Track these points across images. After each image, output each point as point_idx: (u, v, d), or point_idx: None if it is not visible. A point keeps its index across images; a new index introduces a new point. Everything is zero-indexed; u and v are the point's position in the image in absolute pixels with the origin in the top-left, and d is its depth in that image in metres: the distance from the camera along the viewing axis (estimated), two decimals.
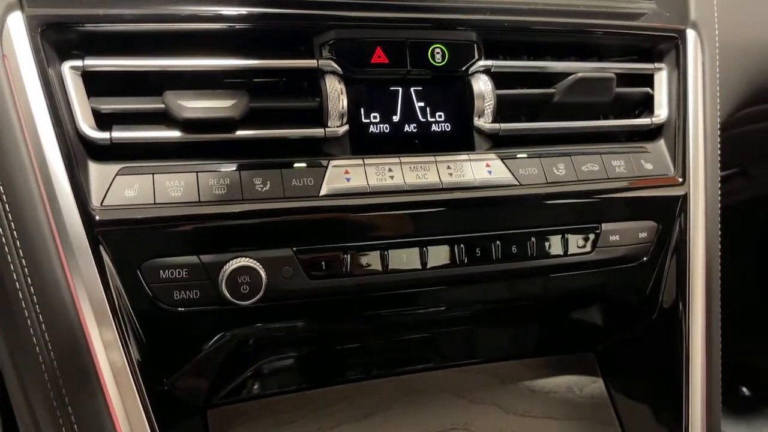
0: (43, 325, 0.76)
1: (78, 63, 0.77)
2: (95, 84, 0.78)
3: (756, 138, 1.58)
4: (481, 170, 0.90)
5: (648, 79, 1.05)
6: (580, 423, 1.09)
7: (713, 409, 1.08)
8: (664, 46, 1.05)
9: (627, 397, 1.12)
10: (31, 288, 0.75)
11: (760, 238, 2.52)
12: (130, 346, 0.77)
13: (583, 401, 1.11)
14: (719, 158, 1.07)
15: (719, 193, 1.07)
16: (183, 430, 0.89)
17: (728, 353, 1.15)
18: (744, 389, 2.66)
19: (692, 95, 1.03)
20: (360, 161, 0.86)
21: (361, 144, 0.87)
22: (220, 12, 0.82)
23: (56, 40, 0.77)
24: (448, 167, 0.89)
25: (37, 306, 0.75)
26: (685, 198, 1.02)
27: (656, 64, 1.04)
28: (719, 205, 1.07)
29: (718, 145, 1.07)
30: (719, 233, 1.07)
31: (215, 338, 0.84)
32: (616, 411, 1.11)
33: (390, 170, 0.87)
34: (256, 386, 0.98)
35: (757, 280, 2.59)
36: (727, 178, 1.76)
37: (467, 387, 1.06)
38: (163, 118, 0.80)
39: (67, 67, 0.77)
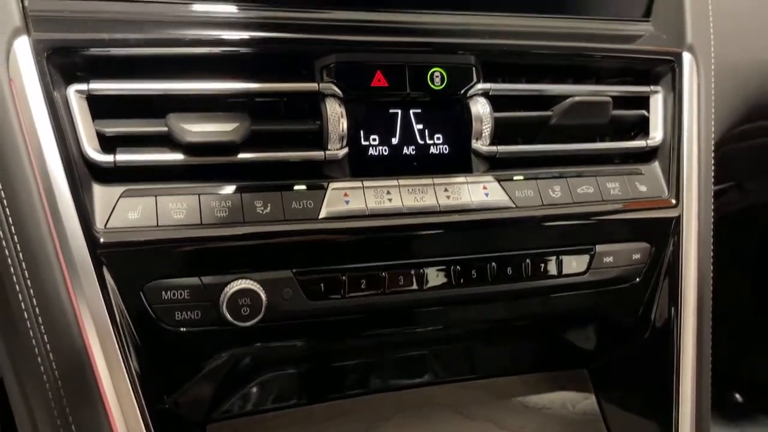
0: (48, 345, 0.77)
1: (83, 87, 0.78)
2: (100, 107, 0.80)
3: (751, 153, 1.60)
4: (478, 192, 0.92)
5: (644, 102, 1.06)
6: None
7: (702, 426, 1.10)
8: (660, 68, 1.06)
9: (618, 413, 1.14)
10: (36, 309, 0.77)
11: (754, 247, 2.54)
12: (132, 365, 0.79)
13: (576, 417, 1.13)
14: (713, 179, 1.09)
15: (712, 214, 1.08)
16: None
17: (723, 361, 1.16)
18: (737, 396, 2.68)
19: (687, 118, 1.05)
20: (359, 184, 0.87)
21: (361, 166, 0.88)
22: (223, 37, 0.83)
23: (62, 64, 0.78)
24: (446, 190, 0.91)
25: (42, 327, 0.77)
26: (678, 220, 1.03)
27: (652, 87, 1.06)
28: (712, 227, 1.09)
29: (712, 168, 1.09)
30: (711, 254, 1.08)
31: (216, 357, 0.86)
32: (607, 427, 1.13)
33: (388, 193, 0.88)
34: (255, 402, 0.99)
35: (752, 288, 2.61)
36: (722, 192, 1.78)
37: (463, 403, 1.08)
38: (166, 141, 0.81)
39: (72, 90, 0.78)
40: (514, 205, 0.93)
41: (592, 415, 1.13)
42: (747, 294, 2.61)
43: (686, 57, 1.06)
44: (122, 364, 0.78)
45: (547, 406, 1.12)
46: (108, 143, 0.80)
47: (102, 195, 0.78)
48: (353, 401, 1.03)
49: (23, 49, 0.76)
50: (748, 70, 1.24)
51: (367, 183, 0.88)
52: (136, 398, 0.79)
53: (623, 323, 1.08)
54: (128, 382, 0.78)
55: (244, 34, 0.84)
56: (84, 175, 0.78)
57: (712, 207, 1.10)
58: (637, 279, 1.02)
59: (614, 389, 1.15)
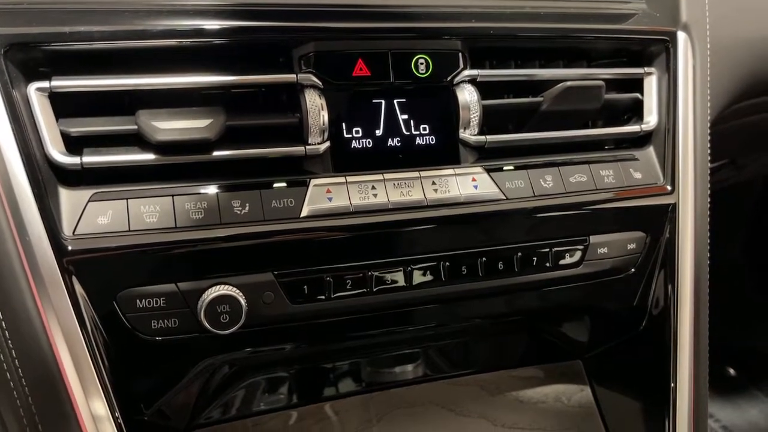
0: (16, 360, 0.73)
1: (45, 84, 0.74)
2: (64, 105, 0.75)
3: (746, 130, 1.57)
4: (466, 185, 0.88)
5: (638, 84, 1.02)
6: None
7: (700, 411, 1.08)
8: (654, 49, 1.02)
9: (614, 403, 1.12)
10: (2, 323, 0.73)
11: (746, 221, 2.53)
12: (106, 378, 0.75)
13: (571, 410, 1.10)
14: (708, 164, 1.06)
15: (708, 200, 1.05)
16: None
17: (716, 335, 1.14)
18: (731, 370, 2.69)
19: (682, 101, 1.01)
20: (342, 179, 0.83)
21: (344, 160, 0.84)
22: (193, 27, 0.78)
23: (21, 60, 0.73)
24: (433, 183, 0.87)
25: (9, 341, 0.73)
26: (674, 207, 1.00)
27: (646, 69, 1.01)
28: (708, 211, 1.06)
29: (708, 152, 1.05)
30: (708, 239, 1.05)
31: (196, 365, 0.82)
32: (602, 418, 1.11)
33: (373, 188, 0.84)
34: (240, 406, 0.96)
35: (745, 261, 2.61)
36: (715, 170, 1.75)
37: (455, 400, 1.05)
38: (136, 140, 0.77)
39: (33, 88, 0.73)
40: (504, 197, 0.89)
41: (588, 407, 1.11)
42: (739, 267, 2.61)
43: (681, 36, 1.02)
44: (96, 377, 0.74)
45: (542, 400, 1.10)
46: (74, 144, 0.75)
47: (69, 199, 0.74)
48: (343, 402, 1.00)
49: None
50: (743, 45, 1.20)
51: (350, 178, 0.84)
52: (111, 411, 0.76)
53: (619, 314, 1.05)
54: (102, 395, 0.75)
55: (217, 23, 0.79)
56: (49, 178, 0.74)
57: (708, 190, 1.07)
58: (633, 269, 0.99)
59: (610, 379, 1.13)
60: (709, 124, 1.07)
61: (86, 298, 0.73)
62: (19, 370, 0.73)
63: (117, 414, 0.76)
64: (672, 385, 1.04)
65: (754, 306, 2.62)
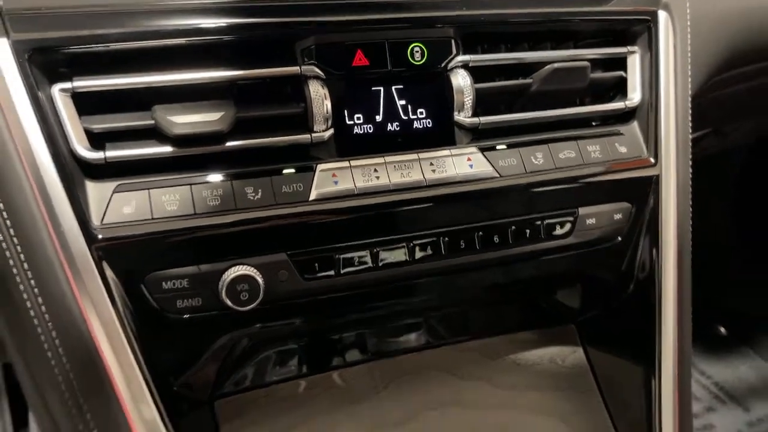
0: (56, 340, 0.80)
1: (67, 85, 0.79)
2: (85, 103, 0.80)
3: (726, 100, 1.62)
4: (462, 165, 0.94)
5: (621, 62, 1.08)
6: (563, 393, 1.16)
7: (684, 365, 1.15)
8: (636, 28, 1.07)
9: (605, 363, 1.19)
10: (42, 307, 0.79)
11: (732, 186, 2.59)
12: (138, 353, 0.82)
13: (565, 371, 1.17)
14: (690, 136, 1.12)
15: (690, 171, 1.11)
16: (193, 422, 0.95)
17: (706, 296, 1.21)
18: (722, 329, 2.78)
19: (664, 77, 1.06)
20: (346, 163, 0.89)
21: (347, 146, 0.90)
22: (202, 25, 0.83)
23: (44, 63, 0.78)
24: (431, 164, 0.92)
25: (49, 324, 0.79)
26: (657, 178, 1.06)
27: (629, 48, 1.07)
28: (690, 181, 1.12)
29: (689, 124, 1.11)
30: (690, 208, 1.12)
31: (218, 340, 0.89)
32: (595, 377, 1.18)
33: (375, 171, 0.90)
34: (258, 376, 1.03)
35: (734, 223, 2.68)
36: (699, 139, 1.81)
37: (456, 365, 1.12)
38: (154, 134, 0.82)
39: (56, 89, 0.78)
40: (498, 175, 0.95)
41: (581, 367, 1.18)
42: (729, 231, 2.68)
43: (662, 15, 1.07)
44: (129, 352, 0.81)
45: (538, 362, 1.17)
46: (96, 139, 0.81)
47: (95, 191, 0.79)
48: (350, 370, 1.07)
49: (4, 51, 0.76)
50: (721, 23, 1.25)
51: (354, 162, 0.89)
52: (145, 383, 0.82)
53: (608, 280, 1.12)
54: (136, 368, 0.82)
55: (223, 21, 0.84)
56: (76, 172, 0.79)
57: (690, 160, 1.13)
58: (619, 238, 1.05)
59: (601, 341, 1.20)
60: (690, 98, 1.12)
61: (117, 281, 0.80)
62: (59, 349, 0.80)
63: (151, 385, 0.83)
64: (657, 343, 1.11)
65: (742, 268, 2.69)
